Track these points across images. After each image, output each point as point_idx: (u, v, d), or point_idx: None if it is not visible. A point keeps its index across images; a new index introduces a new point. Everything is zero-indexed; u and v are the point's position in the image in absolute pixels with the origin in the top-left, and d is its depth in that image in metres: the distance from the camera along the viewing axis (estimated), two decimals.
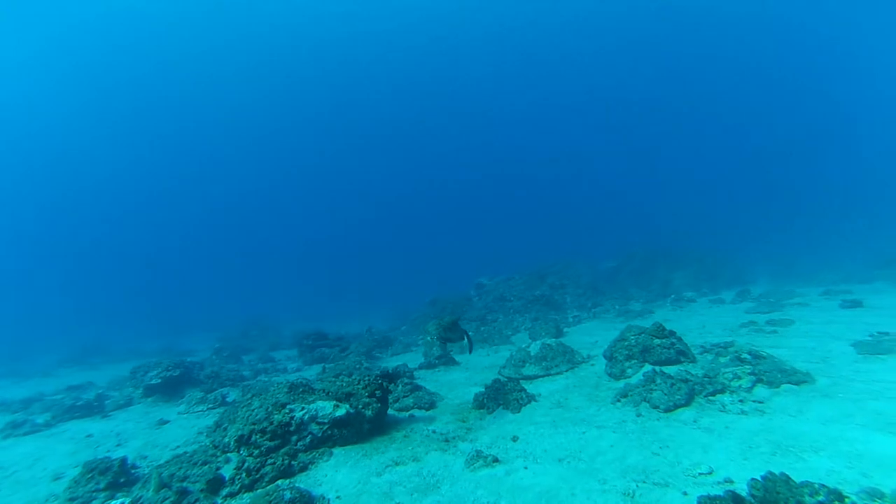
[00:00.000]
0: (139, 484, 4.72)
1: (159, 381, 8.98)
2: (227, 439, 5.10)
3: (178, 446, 6.14)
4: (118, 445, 6.55)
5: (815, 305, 11.18)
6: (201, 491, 4.23)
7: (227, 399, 8.48)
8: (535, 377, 7.40)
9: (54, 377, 15.00)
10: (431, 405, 6.61)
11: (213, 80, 69.21)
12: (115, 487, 4.75)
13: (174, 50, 62.77)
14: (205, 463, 4.78)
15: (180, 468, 4.79)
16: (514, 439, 4.86)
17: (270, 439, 4.86)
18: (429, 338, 10.45)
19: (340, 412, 5.23)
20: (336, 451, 5.04)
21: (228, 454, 4.96)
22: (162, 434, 6.93)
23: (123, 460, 5.05)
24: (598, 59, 68.19)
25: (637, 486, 3.54)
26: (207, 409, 7.98)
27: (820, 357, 6.35)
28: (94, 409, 8.70)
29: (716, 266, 19.70)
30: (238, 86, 71.43)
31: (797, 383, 5.13)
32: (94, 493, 4.63)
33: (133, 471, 5.13)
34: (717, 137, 76.46)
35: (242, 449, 4.83)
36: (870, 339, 6.51)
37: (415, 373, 9.09)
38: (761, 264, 22.53)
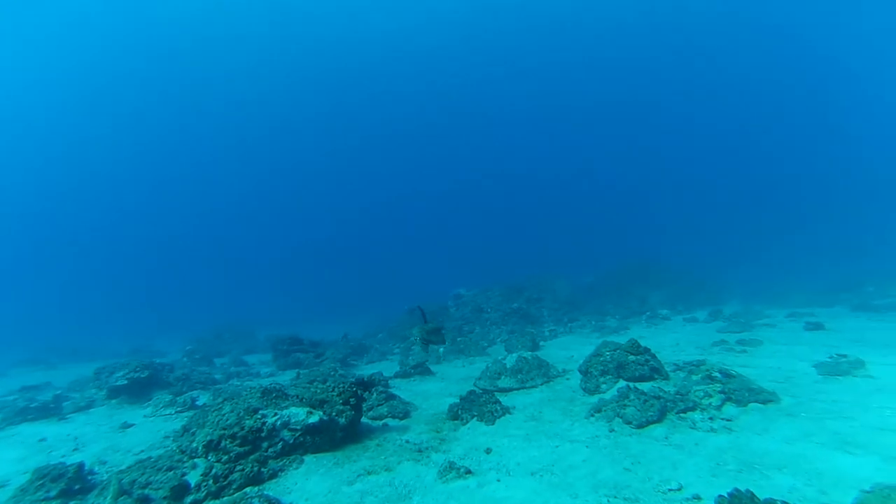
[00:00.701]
0: (96, 491, 4.43)
1: (125, 382, 8.62)
2: (195, 444, 4.93)
3: (142, 451, 5.86)
4: (75, 450, 6.18)
5: (781, 327, 11.59)
6: (164, 498, 4.07)
7: (198, 402, 8.21)
8: (511, 389, 7.43)
9: (9, 377, 14.29)
10: (406, 414, 6.57)
11: (194, 81, 68.02)
12: (68, 496, 4.42)
13: (171, 48, 61.71)
14: (170, 469, 4.60)
15: (143, 474, 4.59)
16: (488, 451, 4.85)
17: (241, 445, 4.73)
18: (412, 339, 10.90)
19: (314, 419, 5.14)
20: (308, 458, 4.95)
21: (196, 460, 4.79)
22: (125, 438, 6.61)
23: (80, 466, 4.73)
24: (581, 76, 69.92)
25: (608, 500, 3.58)
26: (176, 412, 7.69)
27: (785, 377, 6.57)
28: (51, 411, 8.17)
29: (691, 286, 20.24)
30: (220, 88, 70.48)
31: (764, 402, 5.30)
32: (44, 503, 4.30)
33: (90, 477, 4.85)
34: (696, 164, 79.02)
35: (211, 454, 4.68)
36: (829, 360, 6.77)
37: (390, 381, 9.02)
38: (733, 286, 23.25)
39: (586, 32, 61.24)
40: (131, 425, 7.25)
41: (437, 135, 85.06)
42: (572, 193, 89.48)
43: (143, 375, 8.79)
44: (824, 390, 5.78)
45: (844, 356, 6.75)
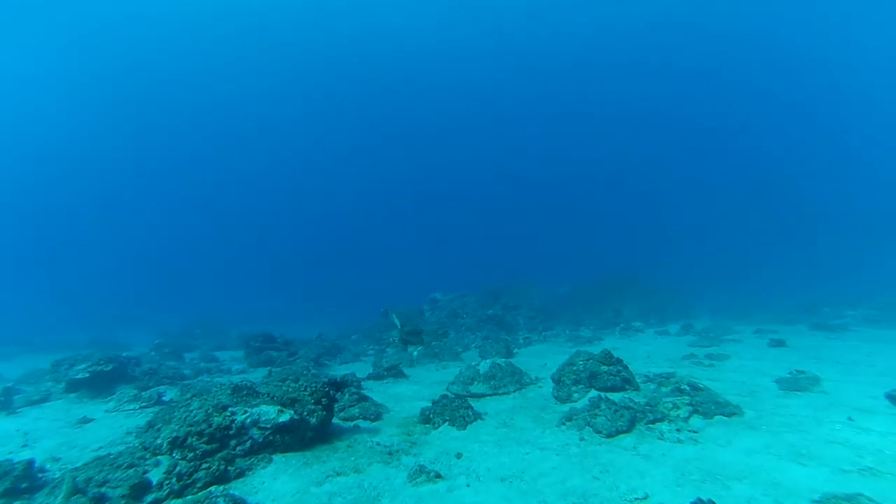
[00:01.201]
0: (46, 490, 4.13)
1: (87, 375, 8.26)
2: (159, 441, 4.77)
3: (100, 447, 5.60)
4: (24, 446, 5.82)
5: (747, 342, 12.02)
6: (123, 497, 3.91)
7: (164, 398, 7.94)
8: (483, 395, 7.46)
9: None
10: (377, 416, 6.53)
11: (177, 77, 66.14)
12: (13, 495, 4.11)
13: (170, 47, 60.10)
14: (130, 466, 4.43)
15: (100, 471, 4.40)
16: (458, 456, 4.86)
17: (208, 442, 4.61)
18: (389, 341, 12.27)
19: (284, 418, 5.06)
20: (276, 457, 4.87)
21: (159, 457, 4.63)
22: (83, 434, 6.30)
23: (29, 463, 4.43)
24: (564, 87, 71.01)
25: None
26: (140, 407, 7.40)
27: (749, 391, 6.81)
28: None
29: (664, 299, 20.78)
30: (203, 83, 68.80)
31: (728, 415, 5.48)
32: None
33: (40, 475, 4.56)
34: (672, 182, 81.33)
35: (176, 452, 4.54)
36: (789, 376, 7.06)
37: (363, 383, 8.94)
38: (705, 300, 24.08)
39: (566, 44, 62.31)
40: (91, 420, 6.93)
41: (417, 139, 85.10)
42: (552, 203, 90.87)
43: (107, 369, 8.44)
44: (784, 405, 6.02)
45: (802, 372, 7.06)
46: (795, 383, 6.78)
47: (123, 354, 10.46)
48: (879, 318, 14.97)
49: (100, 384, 8.42)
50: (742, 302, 21.79)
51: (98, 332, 22.18)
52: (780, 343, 11.11)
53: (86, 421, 6.89)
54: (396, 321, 10.08)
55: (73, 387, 8.35)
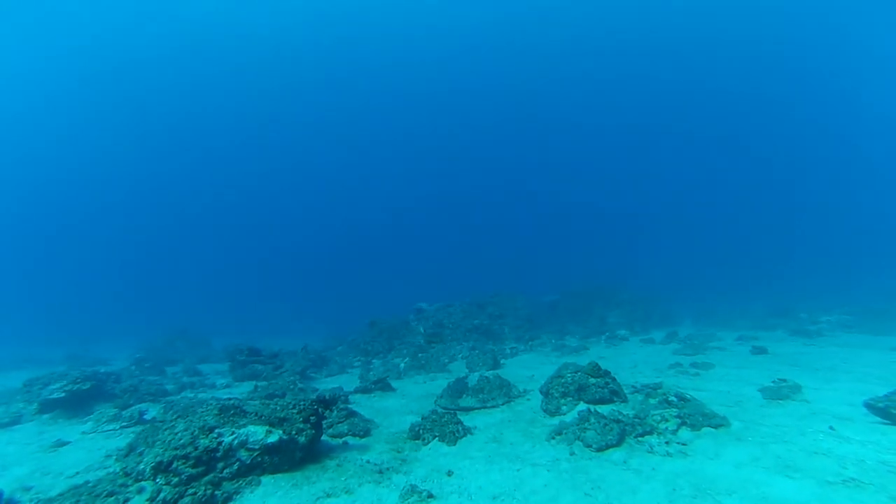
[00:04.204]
0: None
1: (63, 395, 7.91)
2: (142, 465, 4.61)
3: (77, 473, 5.33)
4: None
5: (730, 350, 12.25)
6: None
7: (146, 416, 7.67)
8: (472, 409, 7.45)
9: None
10: (366, 433, 6.45)
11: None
12: None
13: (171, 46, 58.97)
14: (111, 494, 4.26)
15: (77, 500, 4.24)
16: (449, 474, 4.82)
17: (194, 466, 4.47)
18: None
19: (273, 438, 4.95)
20: (265, 479, 4.76)
21: (143, 483, 4.47)
22: (58, 458, 5.97)
23: None
24: (541, 99, 72.01)
25: None
26: (121, 427, 7.10)
27: (734, 401, 6.93)
28: None
29: (648, 307, 21.09)
30: (180, 97, 67.78)
31: (716, 426, 5.56)
32: None
33: None
34: (655, 189, 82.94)
35: (160, 477, 4.39)
36: (772, 385, 7.21)
37: (350, 397, 8.84)
38: (689, 305, 24.56)
39: (544, 57, 63.42)
40: (66, 443, 6.58)
41: (402, 150, 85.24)
42: (537, 212, 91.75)
43: (84, 387, 8.10)
44: (768, 414, 6.14)
45: (785, 381, 7.21)
46: (778, 392, 6.93)
47: (102, 370, 10.12)
48: (853, 323, 15.49)
49: (76, 403, 8.07)
50: (723, 307, 22.28)
51: (74, 347, 21.44)
52: (761, 350, 11.37)
53: (60, 444, 6.55)
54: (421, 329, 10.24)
55: (47, 407, 7.98)
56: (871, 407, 5.69)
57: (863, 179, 70.05)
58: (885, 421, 5.50)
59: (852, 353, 10.89)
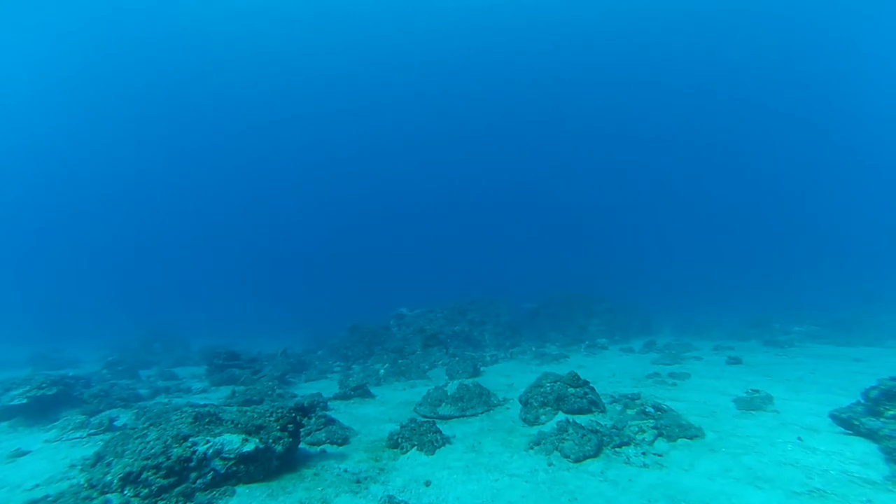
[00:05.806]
0: None
1: (25, 401, 7.53)
2: (109, 476, 4.44)
3: (37, 485, 5.02)
4: None
5: (707, 360, 12.54)
6: None
7: (116, 423, 7.38)
8: (451, 417, 7.44)
9: None
10: (344, 440, 6.37)
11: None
12: None
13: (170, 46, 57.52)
14: None
15: None
16: (427, 484, 4.80)
17: (165, 476, 4.34)
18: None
19: (249, 447, 4.85)
20: (239, 489, 4.65)
21: (109, 495, 4.30)
22: (16, 469, 5.59)
23: None
24: (525, 106, 72.58)
25: None
26: (88, 435, 6.78)
27: (709, 411, 7.09)
28: None
29: (628, 316, 21.43)
30: (164, 96, 66.31)
31: (691, 438, 5.68)
32: None
33: None
34: (634, 198, 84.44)
35: (128, 488, 4.24)
36: (745, 395, 7.40)
37: (329, 403, 8.75)
38: (666, 315, 25.07)
39: (535, 62, 63.97)
40: (26, 453, 6.21)
41: (385, 155, 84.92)
42: (519, 219, 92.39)
43: (50, 393, 7.74)
44: (741, 425, 6.29)
45: (757, 391, 7.41)
46: (751, 403, 7.11)
47: (70, 374, 9.72)
48: (819, 334, 16.10)
49: (39, 410, 7.68)
50: (701, 317, 22.83)
51: (42, 346, 20.56)
52: (736, 361, 11.67)
53: (20, 454, 6.17)
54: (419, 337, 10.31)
55: (7, 414, 7.54)
56: (836, 418, 5.90)
57: (844, 187, 72.12)
58: (848, 431, 5.70)
59: (820, 364, 11.26)
